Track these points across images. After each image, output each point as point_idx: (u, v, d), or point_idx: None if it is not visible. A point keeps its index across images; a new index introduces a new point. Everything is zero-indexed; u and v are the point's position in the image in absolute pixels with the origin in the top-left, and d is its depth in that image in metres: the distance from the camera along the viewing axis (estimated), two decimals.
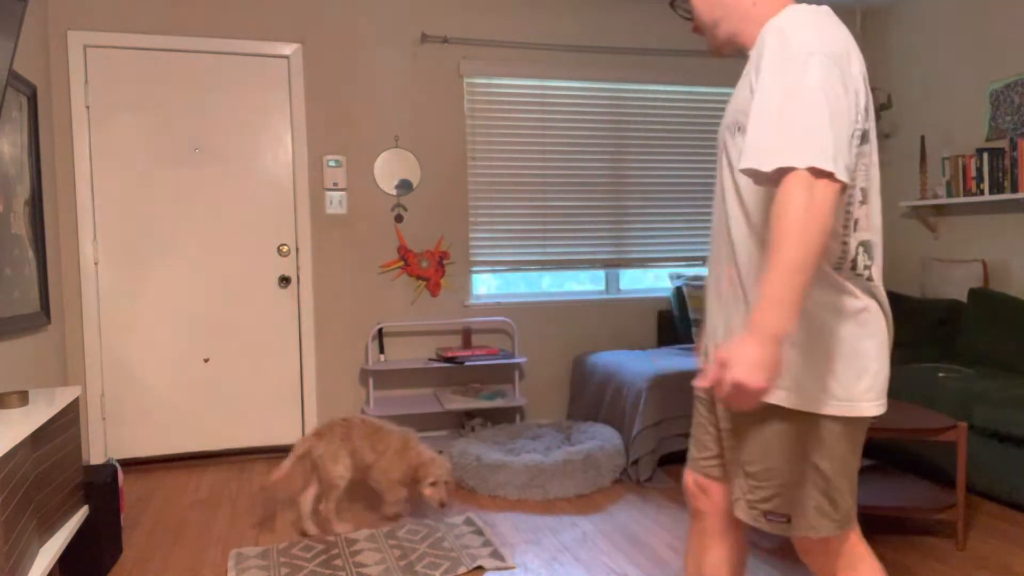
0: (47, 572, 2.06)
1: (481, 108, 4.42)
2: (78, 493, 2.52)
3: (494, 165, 4.45)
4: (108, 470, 2.71)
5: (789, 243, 1.16)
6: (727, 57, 1.55)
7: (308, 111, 4.13)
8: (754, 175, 1.25)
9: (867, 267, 1.35)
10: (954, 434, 2.64)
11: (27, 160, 3.30)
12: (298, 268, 4.13)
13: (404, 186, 4.28)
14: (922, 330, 4.11)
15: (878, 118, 4.70)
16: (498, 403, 4.11)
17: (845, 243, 1.34)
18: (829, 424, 1.36)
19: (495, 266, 4.50)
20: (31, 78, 3.44)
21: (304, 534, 2.93)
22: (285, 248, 4.12)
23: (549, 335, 4.56)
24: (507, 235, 4.50)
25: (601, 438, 3.60)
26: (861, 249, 1.35)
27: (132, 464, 3.95)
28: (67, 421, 2.45)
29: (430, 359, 4.23)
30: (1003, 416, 2.98)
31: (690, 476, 1.69)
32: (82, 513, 2.51)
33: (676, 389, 3.57)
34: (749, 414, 1.44)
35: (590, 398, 4.15)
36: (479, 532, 2.91)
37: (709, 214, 4.86)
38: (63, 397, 2.43)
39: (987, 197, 3.92)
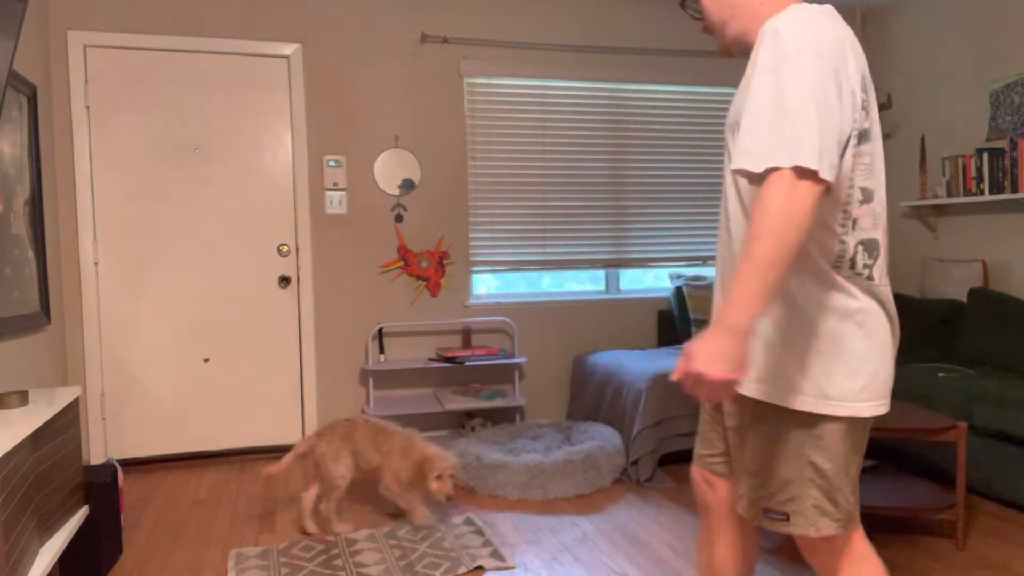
0: (47, 572, 2.06)
1: (481, 108, 4.42)
2: (78, 493, 2.52)
3: (494, 165, 4.45)
4: (108, 470, 2.71)
5: (762, 241, 1.18)
6: (736, 57, 1.55)
7: (308, 111, 4.13)
8: (746, 176, 1.26)
9: (867, 266, 1.35)
10: (954, 434, 2.64)
11: (27, 160, 3.30)
12: (298, 268, 4.13)
13: (407, 185, 4.29)
14: (922, 330, 4.11)
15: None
16: (498, 403, 4.11)
17: (843, 241, 1.34)
18: (826, 423, 1.36)
19: (495, 266, 4.50)
20: (31, 78, 3.44)
21: (304, 532, 2.93)
22: (285, 248, 4.12)
23: (549, 335, 4.57)
24: (507, 235, 4.50)
25: (601, 438, 3.60)
26: (861, 248, 1.35)
27: (132, 464, 3.95)
28: (67, 421, 2.45)
29: (430, 359, 4.23)
30: (1003, 416, 2.98)
31: (697, 472, 1.71)
32: (82, 513, 2.51)
33: (676, 389, 3.57)
34: (750, 413, 1.45)
35: (590, 398, 4.15)
36: (479, 532, 2.91)
37: (709, 214, 4.86)
38: (63, 397, 2.43)
39: (987, 197, 3.92)
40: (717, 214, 4.87)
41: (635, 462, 3.52)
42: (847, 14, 4.95)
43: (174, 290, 3.97)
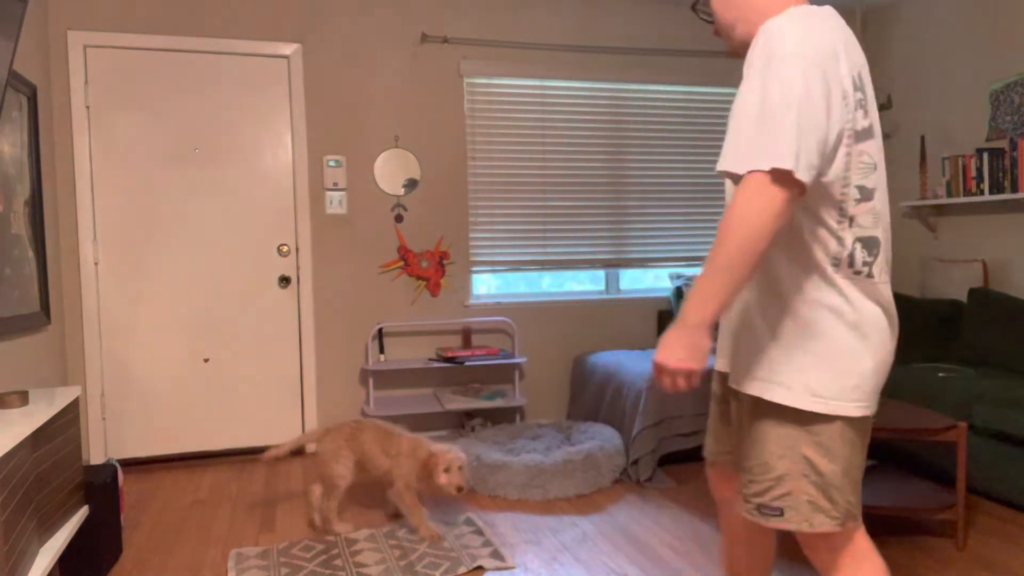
0: (47, 572, 2.06)
1: (481, 108, 4.42)
2: (78, 493, 2.52)
3: (494, 165, 4.45)
4: (108, 470, 2.71)
5: (724, 243, 1.23)
6: (744, 57, 1.56)
7: (308, 111, 4.13)
8: (730, 178, 1.29)
9: (867, 264, 1.36)
10: (954, 434, 2.64)
11: (27, 160, 3.30)
12: (298, 268, 4.13)
13: (411, 185, 4.29)
14: (922, 330, 4.11)
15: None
16: (498, 403, 4.11)
17: (841, 238, 1.34)
18: (821, 420, 1.38)
19: (495, 266, 4.50)
20: (31, 78, 3.44)
21: (312, 526, 2.93)
22: (285, 248, 4.12)
23: (549, 335, 4.57)
24: (507, 235, 4.50)
25: (601, 438, 3.60)
26: (859, 246, 1.35)
27: (132, 464, 3.95)
28: (67, 421, 2.45)
29: (430, 359, 4.23)
30: (1003, 416, 2.98)
31: (710, 468, 1.75)
32: (82, 513, 2.51)
33: None
34: (748, 410, 1.48)
35: (590, 398, 4.15)
36: (479, 532, 2.91)
37: (709, 214, 4.86)
38: (63, 397, 2.43)
39: (987, 197, 3.92)
40: (717, 214, 4.87)
41: (635, 462, 3.52)
42: (847, 14, 4.95)
43: (174, 290, 3.97)
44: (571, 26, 4.55)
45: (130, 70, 3.88)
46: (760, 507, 1.45)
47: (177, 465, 3.98)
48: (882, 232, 1.38)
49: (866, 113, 1.34)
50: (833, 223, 1.34)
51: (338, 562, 2.66)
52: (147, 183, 3.92)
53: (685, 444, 3.61)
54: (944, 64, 4.43)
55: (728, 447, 1.68)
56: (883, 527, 2.91)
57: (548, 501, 3.30)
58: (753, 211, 1.22)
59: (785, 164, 1.20)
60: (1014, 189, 3.82)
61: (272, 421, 4.12)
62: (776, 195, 1.21)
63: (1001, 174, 3.89)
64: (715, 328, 1.34)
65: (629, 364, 3.89)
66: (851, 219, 1.34)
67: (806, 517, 1.41)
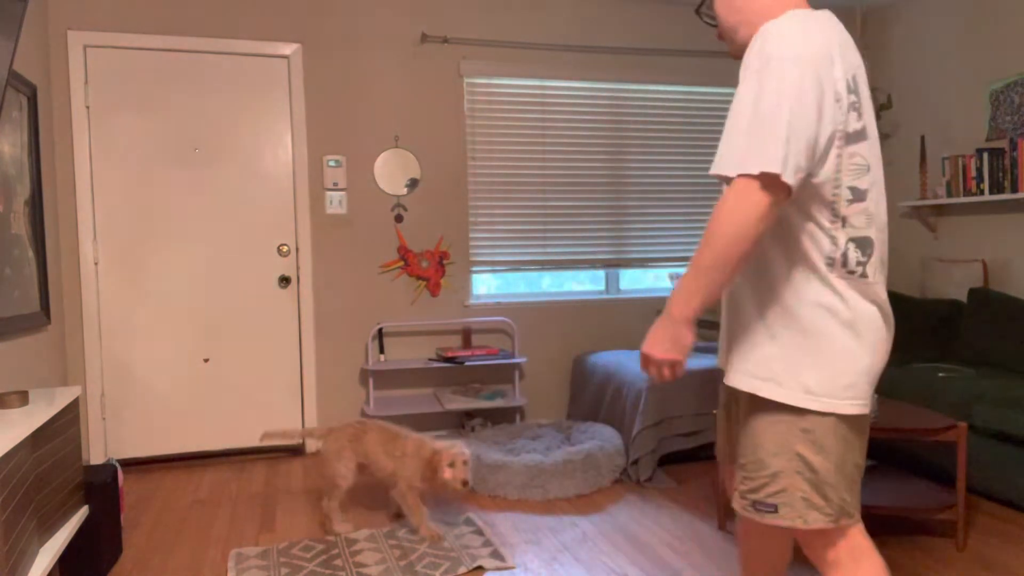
0: (47, 572, 2.06)
1: (481, 108, 4.42)
2: (78, 493, 2.52)
3: (494, 165, 4.45)
4: (108, 470, 2.71)
5: (709, 243, 1.30)
6: None
7: (308, 111, 4.13)
8: (724, 180, 1.34)
9: (860, 263, 1.38)
10: (954, 434, 2.64)
11: (27, 160, 3.30)
12: (298, 268, 4.13)
13: (412, 185, 4.29)
14: (922, 330, 4.11)
15: (878, 118, 4.70)
16: (498, 403, 4.11)
17: (834, 238, 1.37)
18: (813, 418, 1.40)
19: (495, 266, 4.50)
20: (31, 78, 3.44)
21: (335, 533, 2.96)
22: (285, 248, 4.12)
23: (549, 335, 4.57)
24: (507, 235, 4.50)
25: (601, 438, 3.60)
26: (852, 246, 1.37)
27: (132, 464, 3.95)
28: (67, 421, 2.45)
29: (430, 359, 4.23)
30: (1003, 416, 2.98)
31: (723, 467, 1.77)
32: (82, 513, 2.51)
33: (676, 389, 3.57)
34: (744, 407, 1.50)
35: (590, 398, 4.15)
36: (479, 532, 2.91)
37: (709, 214, 4.85)
38: (63, 397, 2.43)
39: (987, 197, 3.92)
40: None
41: (635, 462, 3.52)
42: (847, 14, 4.96)
43: (174, 290, 3.97)
44: (571, 26, 4.55)
45: (130, 70, 3.88)
46: (755, 503, 1.47)
47: (177, 465, 3.98)
48: (876, 233, 1.40)
49: (859, 115, 1.36)
50: (826, 223, 1.36)
51: (338, 562, 2.66)
52: (147, 183, 3.92)
53: (685, 444, 3.61)
54: (944, 64, 4.43)
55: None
56: (883, 527, 2.91)
57: (548, 501, 3.30)
58: (738, 214, 1.27)
59: (773, 168, 1.24)
60: (1014, 189, 3.82)
61: (272, 421, 4.12)
62: (761, 200, 1.26)
63: (1001, 174, 3.89)
64: (697, 323, 1.38)
65: (629, 364, 3.89)
66: (844, 219, 1.37)
67: (800, 514, 1.42)
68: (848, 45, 1.37)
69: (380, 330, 4.25)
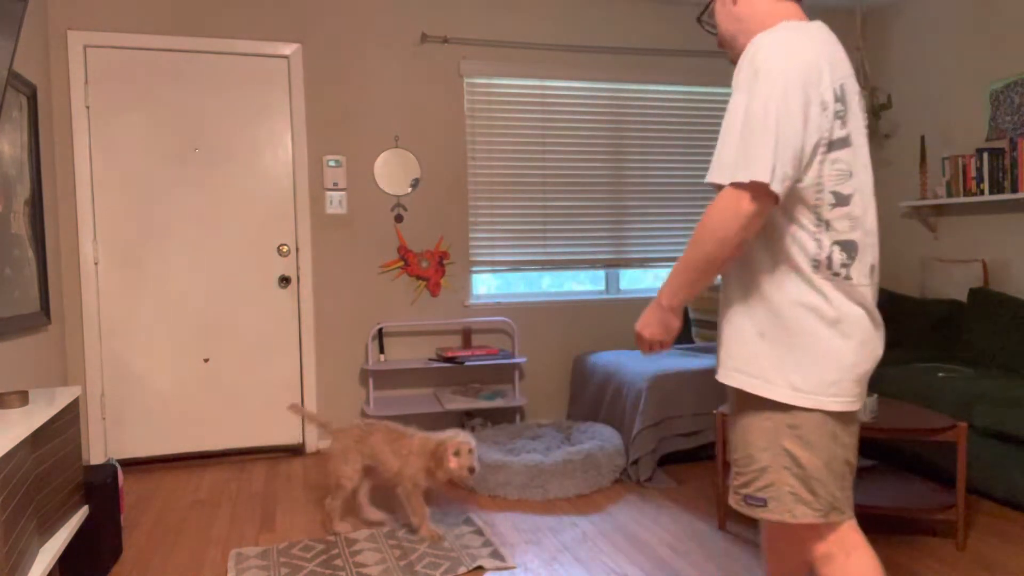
0: (47, 572, 2.06)
1: (481, 108, 4.42)
2: (78, 493, 2.52)
3: (494, 165, 4.45)
4: (108, 470, 2.71)
5: (696, 245, 1.41)
6: None
7: (308, 111, 4.13)
8: (717, 188, 1.41)
9: (845, 266, 1.43)
10: (954, 434, 2.64)
11: (27, 160, 3.30)
12: (298, 268, 4.13)
13: (414, 184, 4.30)
14: (922, 330, 4.11)
15: (878, 118, 4.70)
16: (498, 403, 4.11)
17: (818, 240, 1.42)
18: (800, 414, 1.45)
19: (495, 266, 4.50)
20: (31, 78, 3.44)
21: (370, 523, 2.99)
22: (285, 248, 4.12)
23: (549, 335, 4.57)
24: (507, 235, 4.50)
25: (601, 438, 3.60)
26: (837, 249, 1.43)
27: (132, 464, 3.95)
28: (67, 421, 2.45)
29: (430, 359, 4.23)
30: (1003, 416, 2.98)
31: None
32: (82, 513, 2.51)
33: (676, 389, 3.57)
34: (735, 403, 1.55)
35: (590, 398, 4.15)
36: (479, 532, 2.91)
37: None
38: (63, 397, 2.43)
39: (987, 197, 3.92)
40: None
41: (635, 462, 3.52)
42: (847, 14, 4.95)
43: (174, 290, 3.97)
44: (571, 26, 4.55)
45: (130, 70, 3.88)
46: (746, 498, 1.52)
47: (177, 465, 3.98)
48: (861, 236, 1.44)
49: (844, 124, 1.41)
50: (811, 226, 1.42)
51: (338, 562, 2.66)
52: (147, 183, 3.92)
53: (685, 444, 3.61)
54: (944, 64, 4.43)
55: None
56: (883, 527, 2.91)
57: (548, 501, 3.30)
58: (726, 219, 1.36)
59: (762, 178, 1.32)
60: (1014, 189, 3.82)
61: (272, 421, 4.12)
62: (749, 206, 1.35)
63: (1001, 174, 3.89)
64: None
65: (629, 364, 3.89)
66: (828, 223, 1.42)
67: (788, 508, 1.47)
68: (838, 55, 1.44)
69: (380, 330, 4.25)
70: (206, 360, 4.02)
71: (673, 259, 4.80)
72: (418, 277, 4.33)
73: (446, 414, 4.31)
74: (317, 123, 4.15)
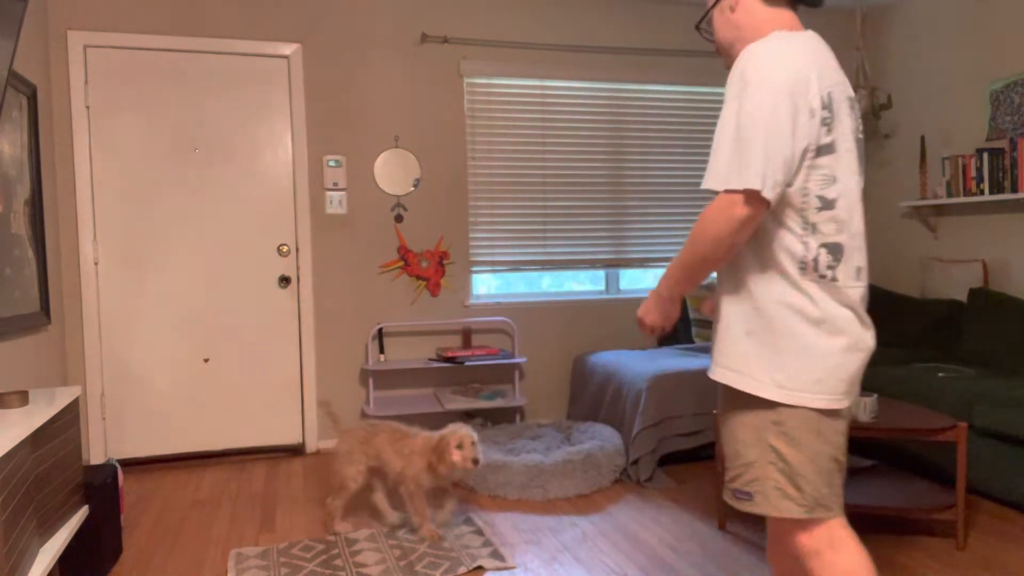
0: (47, 572, 2.06)
1: (481, 108, 4.42)
2: (78, 493, 2.52)
3: (494, 165, 4.45)
4: (108, 470, 2.71)
5: (691, 246, 1.49)
6: None
7: (308, 111, 4.13)
8: (712, 193, 1.48)
9: (831, 268, 1.48)
10: (954, 434, 2.65)
11: (27, 160, 3.30)
12: (298, 268, 4.13)
13: (418, 184, 4.30)
14: (922, 330, 4.11)
15: (878, 118, 4.70)
16: (498, 403, 4.11)
17: (805, 243, 1.47)
18: (784, 410, 1.49)
19: (495, 266, 4.50)
20: (31, 78, 3.44)
21: (391, 526, 3.00)
22: (285, 248, 4.12)
23: (549, 335, 4.57)
24: (507, 235, 4.50)
25: (601, 438, 3.60)
26: (824, 251, 1.47)
27: (132, 464, 3.95)
28: (67, 421, 2.45)
29: (430, 359, 4.23)
30: (1003, 416, 2.97)
31: None
32: (82, 513, 2.51)
33: (676, 389, 3.57)
34: (724, 400, 1.61)
35: (590, 398, 4.15)
36: (479, 532, 2.91)
37: None
38: (63, 397, 2.43)
39: (987, 197, 3.92)
40: None
41: (635, 462, 3.52)
42: (847, 14, 4.96)
43: (174, 290, 3.97)
44: (571, 26, 4.55)
45: (130, 70, 3.88)
46: (735, 492, 1.57)
47: (177, 465, 3.98)
48: (847, 239, 1.48)
49: (829, 130, 1.46)
50: (798, 230, 1.47)
51: (338, 562, 2.66)
52: (147, 183, 3.92)
53: (685, 444, 3.61)
54: (944, 64, 4.43)
55: None
56: (883, 527, 2.91)
57: (548, 501, 3.30)
58: (719, 225, 1.43)
59: (753, 185, 1.39)
60: (1014, 189, 3.82)
61: (272, 421, 4.12)
62: (741, 212, 1.41)
63: (1001, 174, 3.89)
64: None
65: (629, 364, 3.89)
66: (814, 226, 1.47)
67: (773, 503, 1.51)
68: (828, 64, 1.48)
69: (380, 330, 4.25)
70: (206, 360, 4.03)
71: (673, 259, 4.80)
72: (418, 277, 4.33)
73: (446, 414, 4.31)
74: (317, 123, 4.15)
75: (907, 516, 2.90)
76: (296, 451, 4.18)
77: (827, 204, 1.47)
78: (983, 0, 4.16)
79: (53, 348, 3.61)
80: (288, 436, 4.15)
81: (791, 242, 1.48)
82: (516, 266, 4.53)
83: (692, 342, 4.49)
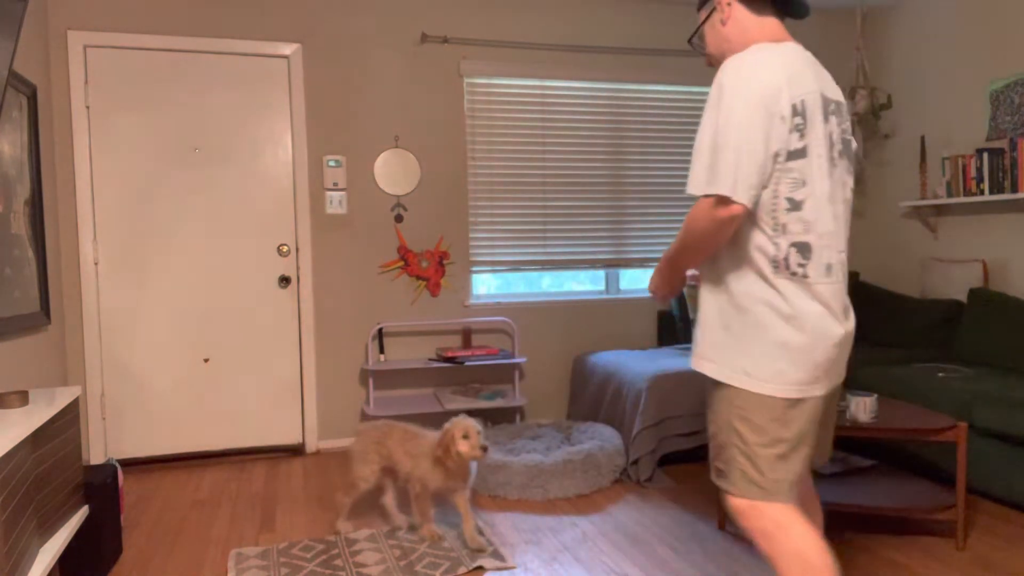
0: (47, 572, 2.06)
1: (481, 108, 4.42)
2: (78, 493, 2.52)
3: (494, 165, 4.45)
4: (108, 470, 2.71)
5: (676, 242, 1.67)
6: None
7: (308, 111, 4.13)
8: (694, 198, 1.61)
9: (801, 266, 1.57)
10: (954, 434, 2.65)
11: (27, 160, 3.30)
12: (298, 268, 4.13)
13: (419, 183, 4.31)
14: (922, 330, 4.11)
15: (878, 118, 4.70)
16: (498, 403, 4.11)
17: (776, 243, 1.57)
18: (746, 396, 1.61)
19: (495, 266, 4.50)
20: (31, 78, 3.44)
21: (398, 528, 2.98)
22: (285, 248, 4.12)
23: (549, 335, 4.57)
24: (507, 235, 4.50)
25: (601, 438, 3.60)
26: (794, 250, 1.57)
27: (132, 464, 3.95)
28: (67, 421, 2.45)
29: (430, 359, 4.23)
30: (1003, 416, 2.97)
31: None
32: (82, 513, 2.51)
33: (676, 389, 3.57)
34: (707, 390, 1.73)
35: (590, 398, 4.15)
36: (479, 532, 2.91)
37: None
38: (63, 397, 2.43)
39: (987, 197, 3.92)
40: None
41: (635, 462, 3.52)
42: (847, 14, 4.96)
43: (174, 290, 3.97)
44: (571, 26, 4.55)
45: (130, 70, 3.88)
46: (716, 470, 1.71)
47: (177, 465, 3.98)
48: (815, 239, 1.58)
49: (802, 136, 1.55)
50: (769, 231, 1.58)
51: (338, 562, 2.66)
52: (147, 183, 3.92)
53: (685, 444, 3.61)
54: (944, 64, 4.43)
55: None
56: (883, 527, 2.91)
57: (548, 501, 3.30)
58: (700, 225, 1.57)
59: (725, 191, 1.50)
60: (1014, 189, 3.82)
61: (272, 421, 4.12)
62: (720, 214, 1.53)
63: (1001, 174, 3.89)
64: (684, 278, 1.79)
65: (629, 364, 3.89)
66: (784, 226, 1.57)
67: (735, 483, 1.64)
68: (803, 74, 1.57)
69: (380, 330, 4.25)
70: (206, 360, 4.02)
71: None
72: (418, 277, 4.33)
73: (446, 414, 4.31)
74: (317, 123, 4.15)
75: (907, 516, 2.90)
76: (296, 451, 4.18)
77: (795, 206, 1.57)
78: (983, 0, 4.16)
79: (53, 348, 3.61)
80: (288, 436, 4.15)
81: (763, 242, 1.58)
82: (516, 266, 4.53)
83: (692, 341, 4.48)
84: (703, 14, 1.78)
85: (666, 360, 3.89)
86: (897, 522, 2.96)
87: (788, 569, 1.58)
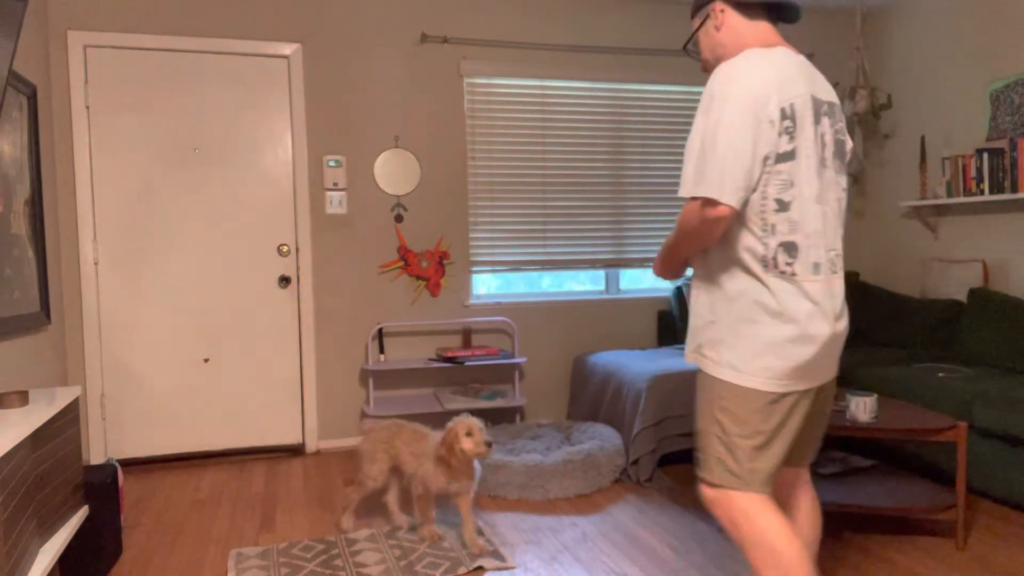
0: (47, 572, 2.06)
1: (481, 108, 4.42)
2: (78, 493, 2.52)
3: (494, 165, 4.45)
4: (108, 470, 2.71)
5: (671, 236, 1.73)
6: None
7: (308, 111, 4.13)
8: (685, 199, 1.65)
9: (789, 264, 1.61)
10: (954, 434, 2.65)
11: (27, 160, 3.30)
12: (298, 268, 4.13)
13: (416, 183, 4.31)
14: (922, 330, 4.11)
15: (878, 118, 4.70)
16: (498, 403, 4.11)
17: (765, 243, 1.61)
18: (729, 388, 1.65)
19: (495, 266, 4.50)
20: (31, 78, 3.44)
21: (396, 527, 2.98)
22: (285, 248, 4.12)
23: (549, 335, 4.57)
24: (507, 235, 4.50)
25: (601, 438, 3.60)
26: (781, 249, 1.61)
27: (132, 464, 3.95)
28: (67, 421, 2.45)
29: (430, 359, 4.23)
30: (1003, 416, 2.97)
31: None
32: (82, 513, 2.51)
33: (676, 389, 3.57)
34: (697, 381, 1.78)
35: (590, 398, 4.15)
36: (479, 532, 2.91)
37: None
38: (63, 397, 2.43)
39: (987, 197, 3.92)
40: None
41: (635, 462, 3.52)
42: (847, 14, 4.95)
43: (174, 290, 3.97)
44: (571, 26, 4.55)
45: (130, 70, 3.88)
46: (698, 457, 1.75)
47: (177, 465, 3.98)
48: (802, 239, 1.61)
49: (791, 139, 1.59)
50: (758, 231, 1.62)
51: (338, 562, 2.66)
52: (147, 183, 3.92)
53: (685, 444, 3.61)
54: (944, 64, 4.43)
55: None
56: (883, 527, 2.91)
57: (548, 501, 3.30)
58: (689, 226, 1.63)
59: (712, 194, 1.55)
60: (1014, 189, 3.82)
61: (272, 421, 4.12)
62: (709, 215, 1.57)
63: (1001, 174, 3.89)
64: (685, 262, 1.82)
65: (629, 364, 3.89)
66: (772, 227, 1.61)
67: (712, 468, 1.70)
68: (793, 78, 1.60)
69: (380, 330, 4.25)
70: (206, 360, 4.03)
71: None
72: (418, 277, 4.33)
73: (446, 414, 4.31)
74: (317, 123, 4.15)
75: (907, 516, 2.90)
76: (296, 451, 4.18)
77: (783, 206, 1.60)
78: (983, 0, 4.16)
79: (53, 348, 3.61)
80: (288, 436, 4.15)
81: (753, 243, 1.62)
82: (516, 266, 4.53)
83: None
84: (697, 21, 1.81)
85: (666, 360, 3.89)
86: (897, 522, 2.96)
87: (756, 557, 1.62)
